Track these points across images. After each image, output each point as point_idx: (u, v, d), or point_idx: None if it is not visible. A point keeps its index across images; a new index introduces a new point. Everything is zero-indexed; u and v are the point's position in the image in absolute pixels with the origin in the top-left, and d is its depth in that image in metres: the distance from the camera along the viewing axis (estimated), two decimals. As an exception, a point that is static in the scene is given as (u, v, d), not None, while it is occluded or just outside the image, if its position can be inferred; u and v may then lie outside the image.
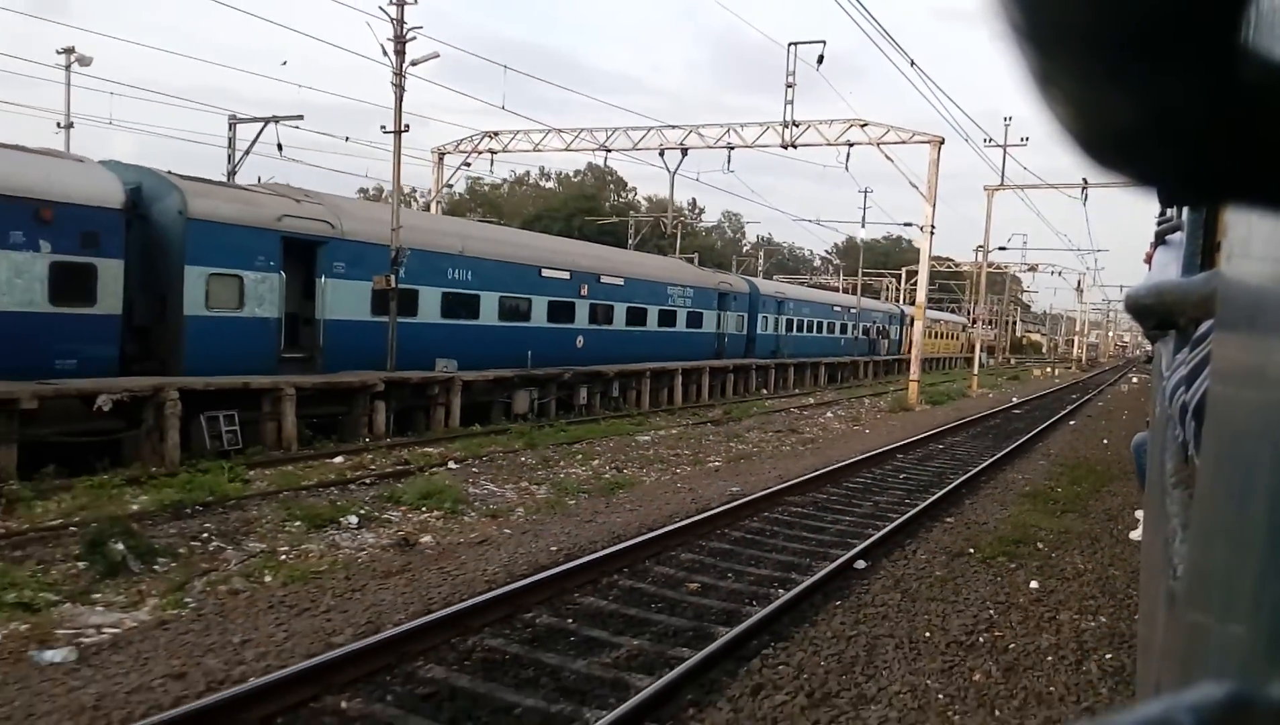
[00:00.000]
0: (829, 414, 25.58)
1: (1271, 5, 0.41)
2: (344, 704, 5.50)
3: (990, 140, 36.80)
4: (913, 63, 24.32)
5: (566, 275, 22.87)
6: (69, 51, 22.88)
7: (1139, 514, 9.49)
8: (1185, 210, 4.04)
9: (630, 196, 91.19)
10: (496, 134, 31.12)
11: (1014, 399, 33.33)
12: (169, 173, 14.30)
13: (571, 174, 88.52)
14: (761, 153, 28.62)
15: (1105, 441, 20.58)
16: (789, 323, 36.80)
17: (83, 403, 11.72)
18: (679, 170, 30.22)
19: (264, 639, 6.37)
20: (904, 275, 73.55)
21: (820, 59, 25.78)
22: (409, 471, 12.89)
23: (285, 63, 67.37)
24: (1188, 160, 0.37)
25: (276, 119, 29.64)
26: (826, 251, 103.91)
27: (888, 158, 27.56)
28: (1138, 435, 5.19)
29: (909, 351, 55.18)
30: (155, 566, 8.09)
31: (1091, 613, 7.70)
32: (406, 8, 18.00)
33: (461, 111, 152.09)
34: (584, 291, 23.47)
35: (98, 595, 7.29)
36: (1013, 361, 76.19)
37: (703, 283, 30.31)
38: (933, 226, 28.83)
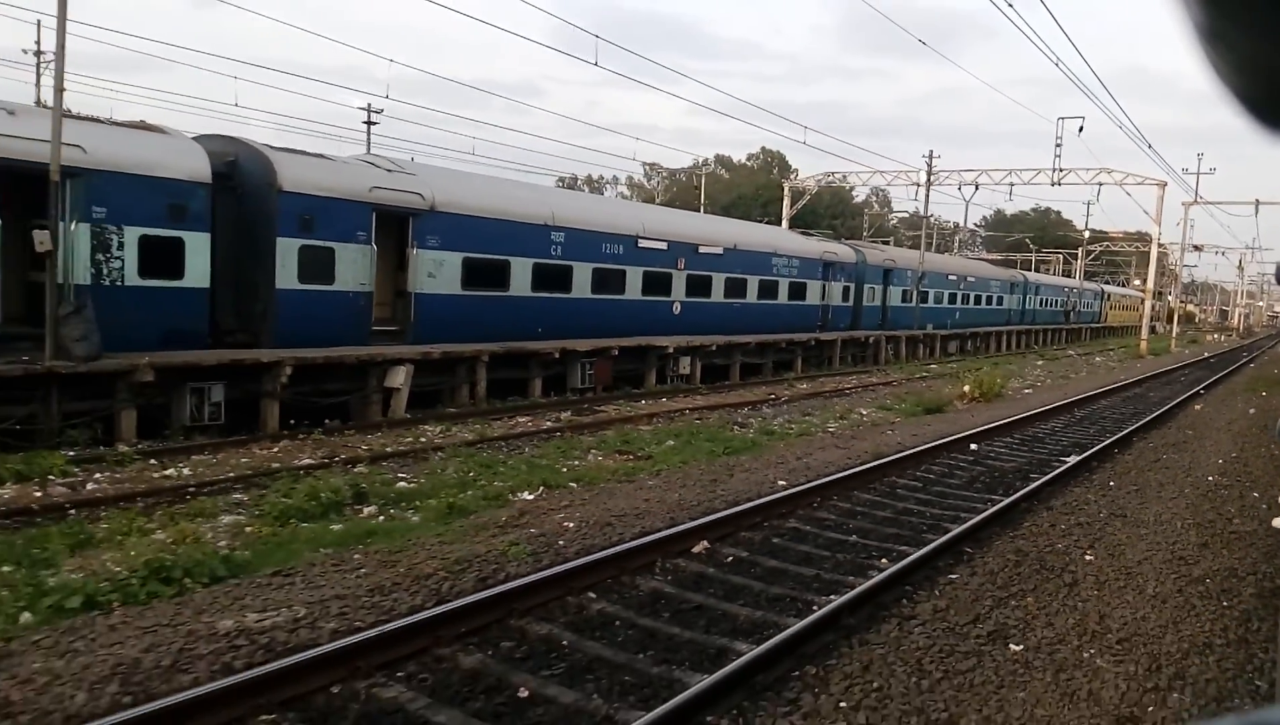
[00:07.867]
0: (1097, 359, 42.61)
1: None
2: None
3: (1185, 169, 52.55)
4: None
5: (955, 277, 40.73)
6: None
7: None
8: None
9: (794, 179, 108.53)
10: (841, 175, 49.10)
11: (1205, 354, 49.30)
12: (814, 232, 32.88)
13: (745, 159, 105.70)
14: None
15: (1277, 371, 37.12)
16: (1040, 301, 53.80)
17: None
18: (972, 200, 47.73)
19: (885, 441, 24.38)
20: (1081, 252, 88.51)
21: (1080, 129, 42.52)
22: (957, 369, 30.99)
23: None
24: None
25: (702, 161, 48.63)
26: (976, 224, 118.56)
27: (1127, 194, 44.18)
28: None
29: (1104, 322, 70.97)
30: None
31: (1285, 403, 25.06)
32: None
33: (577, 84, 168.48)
34: (961, 286, 41.24)
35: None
36: (1178, 329, 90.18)
37: (1004, 277, 47.81)
38: (1159, 243, 45.37)
